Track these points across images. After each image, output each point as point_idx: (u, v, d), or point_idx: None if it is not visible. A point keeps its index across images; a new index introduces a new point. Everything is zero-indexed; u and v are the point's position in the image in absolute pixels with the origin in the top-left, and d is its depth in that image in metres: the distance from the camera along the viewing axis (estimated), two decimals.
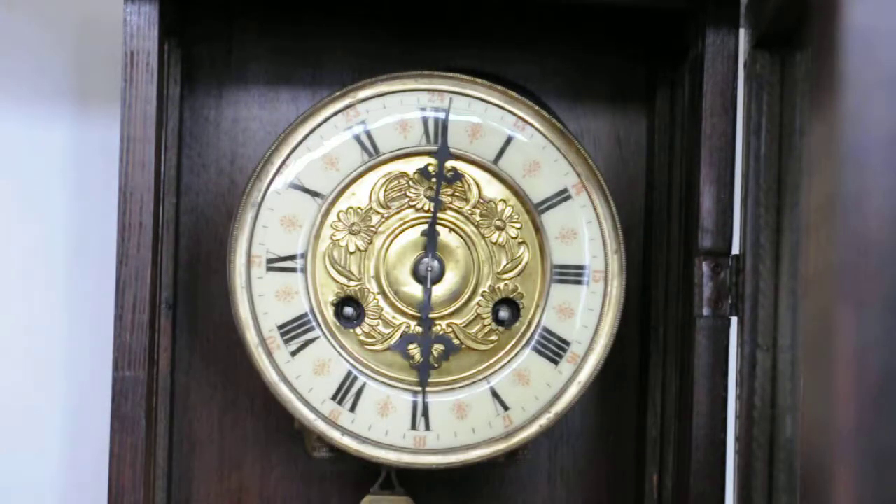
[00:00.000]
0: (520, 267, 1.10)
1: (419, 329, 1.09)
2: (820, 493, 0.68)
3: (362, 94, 1.07)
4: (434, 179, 1.08)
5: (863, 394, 0.66)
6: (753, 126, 1.04)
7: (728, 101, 1.06)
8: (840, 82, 0.65)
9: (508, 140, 1.08)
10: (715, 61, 1.06)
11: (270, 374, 1.08)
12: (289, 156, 1.07)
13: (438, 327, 1.10)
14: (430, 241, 1.09)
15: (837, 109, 0.65)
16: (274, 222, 1.07)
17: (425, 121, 1.08)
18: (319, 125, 1.07)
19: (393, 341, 1.09)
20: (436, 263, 1.09)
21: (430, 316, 1.09)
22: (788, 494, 1.01)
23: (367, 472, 1.19)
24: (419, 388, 1.09)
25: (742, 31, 1.07)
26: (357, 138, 1.08)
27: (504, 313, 1.10)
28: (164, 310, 1.15)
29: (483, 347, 1.10)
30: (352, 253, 1.09)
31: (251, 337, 1.08)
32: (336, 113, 1.08)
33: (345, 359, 1.09)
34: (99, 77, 1.25)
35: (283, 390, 1.08)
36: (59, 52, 1.27)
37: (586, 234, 1.09)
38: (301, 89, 1.21)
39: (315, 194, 1.08)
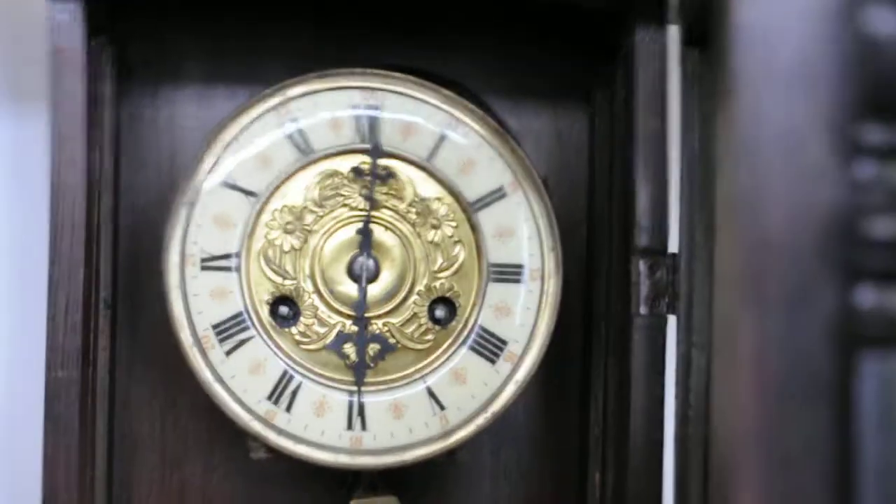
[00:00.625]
0: (455, 265, 1.09)
1: (354, 328, 1.09)
2: (725, 494, 0.68)
3: (292, 91, 1.07)
4: (368, 177, 1.08)
5: (764, 395, 0.65)
6: (686, 124, 1.03)
7: (659, 98, 1.06)
8: (733, 81, 0.65)
9: (442, 138, 1.08)
10: (645, 59, 1.06)
11: (205, 374, 1.07)
12: (221, 154, 1.07)
13: (374, 326, 1.09)
14: (365, 240, 1.08)
15: (732, 108, 0.65)
16: (207, 221, 1.07)
17: (358, 119, 1.07)
18: (251, 123, 1.07)
19: (328, 340, 1.09)
20: (371, 262, 1.09)
21: (366, 315, 1.09)
22: None
23: (310, 472, 1.18)
24: (355, 388, 1.08)
25: (674, 28, 1.06)
26: (290, 137, 1.07)
27: (440, 312, 1.10)
28: (102, 309, 1.14)
29: (419, 347, 1.10)
30: (286, 252, 1.08)
31: (185, 336, 1.07)
32: (268, 111, 1.07)
33: (280, 358, 1.08)
34: (34, 75, 1.24)
35: (218, 390, 1.07)
36: None
37: (524, 232, 1.09)
38: (238, 87, 1.20)
39: (248, 193, 1.07)
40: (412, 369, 1.09)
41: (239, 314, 1.08)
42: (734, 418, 0.67)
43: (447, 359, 1.09)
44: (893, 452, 0.66)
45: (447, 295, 1.10)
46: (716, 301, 0.90)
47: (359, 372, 1.08)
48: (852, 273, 0.64)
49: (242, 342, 1.08)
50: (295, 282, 1.09)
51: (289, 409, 1.08)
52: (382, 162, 1.08)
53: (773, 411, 0.65)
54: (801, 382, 0.65)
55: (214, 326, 1.07)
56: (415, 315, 1.09)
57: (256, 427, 1.08)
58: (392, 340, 1.09)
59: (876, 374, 0.65)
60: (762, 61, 0.63)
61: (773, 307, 0.65)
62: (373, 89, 1.07)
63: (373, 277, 1.09)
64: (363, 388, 1.09)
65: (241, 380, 1.08)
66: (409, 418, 1.09)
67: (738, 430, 0.66)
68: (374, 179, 1.08)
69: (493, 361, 1.09)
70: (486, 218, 1.09)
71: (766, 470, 0.65)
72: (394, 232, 1.09)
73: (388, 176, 1.08)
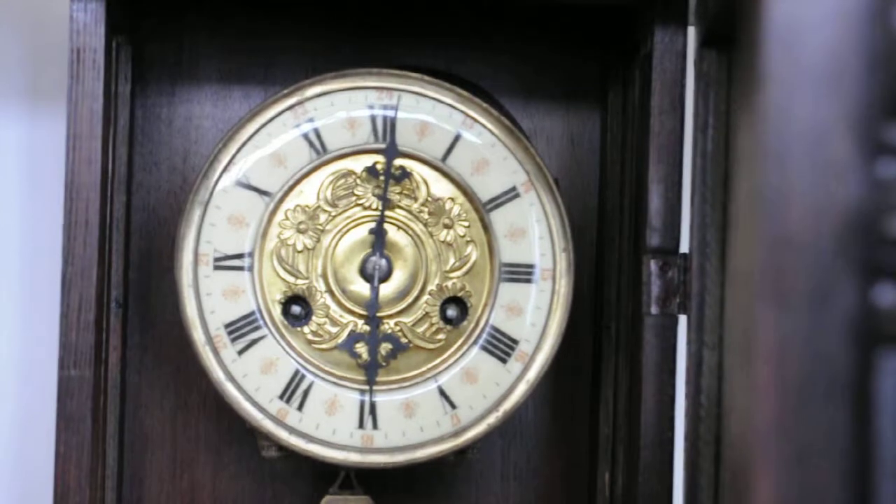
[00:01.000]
0: (468, 265, 1.10)
1: (367, 328, 1.09)
2: (742, 490, 0.68)
3: (310, 91, 1.07)
4: (381, 177, 1.08)
5: (783, 392, 0.65)
6: (700, 124, 1.03)
7: (676, 98, 1.06)
8: (762, 79, 0.65)
9: (457, 138, 1.08)
10: (663, 59, 1.06)
11: (217, 373, 1.08)
12: (236, 154, 1.07)
13: (386, 326, 1.09)
14: (378, 240, 1.09)
15: (760, 106, 0.65)
16: (221, 220, 1.07)
17: (373, 119, 1.08)
18: (267, 123, 1.07)
19: (340, 340, 1.09)
20: (383, 262, 1.09)
21: (378, 314, 1.09)
22: None
23: (321, 471, 1.19)
24: (367, 387, 1.09)
25: (692, 29, 1.07)
26: (305, 136, 1.07)
27: (452, 312, 1.10)
28: (114, 308, 1.14)
29: (431, 346, 1.10)
30: (299, 251, 1.09)
31: (198, 336, 1.07)
32: (284, 111, 1.07)
33: (292, 357, 1.08)
34: (53, 74, 1.24)
35: (230, 389, 1.08)
36: (13, 49, 1.26)
37: (535, 232, 1.09)
38: (253, 87, 1.21)
39: (263, 192, 1.08)
40: (424, 368, 1.10)
41: (251, 313, 1.08)
42: (752, 415, 0.67)
43: (459, 358, 1.10)
44: None
45: (459, 294, 1.10)
46: (730, 299, 0.91)
47: (370, 371, 1.09)
48: (873, 271, 0.64)
49: (255, 341, 1.08)
50: (307, 281, 1.09)
51: (300, 407, 1.08)
52: (397, 162, 1.08)
53: (792, 408, 0.66)
54: (820, 380, 0.65)
55: (227, 326, 1.08)
56: (427, 314, 1.10)
57: (268, 426, 1.08)
58: (404, 340, 1.10)
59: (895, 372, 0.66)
60: (791, 59, 0.63)
61: (793, 305, 0.65)
62: (389, 89, 1.08)
63: (385, 277, 1.09)
64: (375, 388, 1.09)
65: (253, 379, 1.08)
66: (421, 417, 1.09)
67: (757, 427, 0.66)
68: (388, 179, 1.08)
69: (504, 361, 1.09)
70: (498, 218, 1.09)
71: (785, 466, 0.65)
72: (406, 231, 1.09)
73: (403, 175, 1.08)
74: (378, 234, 1.09)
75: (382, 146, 1.08)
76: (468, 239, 1.10)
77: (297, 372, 1.08)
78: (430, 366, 1.10)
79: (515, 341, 1.09)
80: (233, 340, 1.07)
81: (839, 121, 0.62)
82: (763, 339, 0.66)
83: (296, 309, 1.09)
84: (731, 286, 0.89)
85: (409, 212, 1.09)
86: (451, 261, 1.10)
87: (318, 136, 1.07)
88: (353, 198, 1.09)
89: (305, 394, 1.08)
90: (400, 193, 1.09)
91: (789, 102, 0.64)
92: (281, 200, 1.08)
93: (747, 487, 0.67)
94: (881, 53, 0.61)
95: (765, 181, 0.65)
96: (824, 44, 0.62)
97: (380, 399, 1.09)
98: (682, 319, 1.08)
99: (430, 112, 1.08)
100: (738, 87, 0.92)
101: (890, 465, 0.65)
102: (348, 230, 1.09)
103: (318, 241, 1.09)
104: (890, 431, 0.65)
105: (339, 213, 1.09)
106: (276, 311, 1.09)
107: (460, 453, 1.11)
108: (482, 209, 1.09)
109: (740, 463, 0.69)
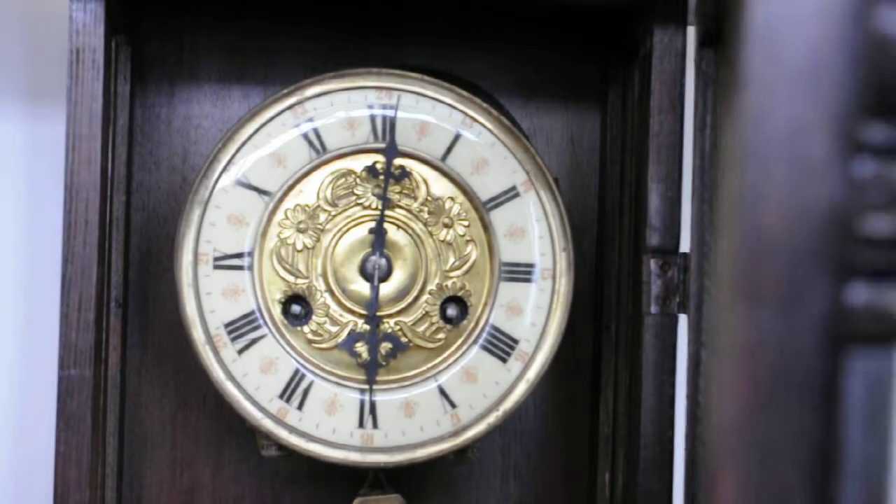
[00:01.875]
0: (467, 265, 1.10)
1: (366, 327, 1.09)
2: (709, 488, 0.68)
3: (310, 91, 1.07)
4: (381, 177, 1.08)
5: (752, 390, 0.65)
6: (699, 124, 1.03)
7: (676, 98, 1.06)
8: (743, 77, 0.65)
9: (456, 137, 1.08)
10: (663, 59, 1.06)
11: (217, 373, 1.08)
12: (236, 153, 1.07)
13: (386, 325, 1.10)
14: (378, 239, 1.09)
15: (740, 104, 0.65)
16: (221, 220, 1.07)
17: (373, 118, 1.08)
18: (267, 122, 1.07)
19: (340, 339, 1.09)
20: (383, 261, 1.09)
21: (378, 314, 1.09)
22: None
23: (321, 471, 1.19)
24: (367, 387, 1.09)
25: (691, 29, 1.07)
26: (305, 136, 1.08)
27: (452, 311, 1.10)
28: (114, 308, 1.15)
29: (431, 345, 1.10)
30: (299, 251, 1.09)
31: (198, 335, 1.07)
32: (284, 110, 1.07)
33: (292, 357, 1.09)
34: (53, 74, 1.24)
35: (230, 388, 1.08)
36: (13, 49, 1.26)
37: (535, 231, 1.09)
38: (253, 87, 1.21)
39: (262, 192, 1.08)
40: (424, 368, 1.10)
41: (251, 313, 1.08)
42: (721, 412, 0.67)
43: (459, 357, 1.10)
44: (879, 451, 0.66)
45: (459, 294, 1.10)
46: (712, 298, 0.91)
47: (370, 370, 1.09)
48: (847, 270, 0.64)
49: (255, 341, 1.08)
50: (307, 281, 1.09)
51: (300, 407, 1.08)
52: (397, 161, 1.08)
53: (759, 406, 0.65)
54: (791, 378, 0.65)
55: (227, 325, 1.08)
56: (426, 314, 1.10)
57: (268, 425, 1.08)
58: (404, 339, 1.10)
59: (865, 372, 0.65)
60: (772, 57, 0.63)
61: (766, 304, 0.65)
62: (389, 89, 1.08)
63: (385, 276, 1.09)
64: (375, 387, 1.09)
65: (252, 378, 1.08)
66: (421, 416, 1.09)
67: (725, 424, 0.66)
68: (388, 179, 1.08)
69: (504, 360, 1.10)
70: (498, 217, 1.09)
71: (749, 462, 0.65)
72: (406, 231, 1.10)
73: (403, 175, 1.08)
74: (378, 234, 1.09)
75: (382, 146, 1.08)
76: (468, 238, 1.10)
77: (297, 371, 1.08)
78: (430, 365, 1.10)
79: (515, 340, 1.09)
80: (233, 340, 1.08)
81: (818, 119, 0.62)
82: (735, 337, 0.66)
83: (296, 308, 1.09)
84: (713, 285, 0.89)
85: (409, 211, 1.09)
86: (451, 260, 1.10)
87: (318, 136, 1.08)
88: (353, 197, 1.09)
89: (305, 393, 1.08)
90: (400, 193, 1.09)
91: (769, 101, 0.64)
92: (281, 200, 1.08)
93: (714, 481, 0.67)
94: (862, 52, 0.61)
95: (743, 179, 0.65)
96: (806, 42, 0.62)
97: (380, 398, 1.09)
98: (682, 319, 1.08)
99: (429, 112, 1.08)
100: (722, 85, 0.92)
101: (855, 465, 0.65)
102: (348, 229, 1.09)
103: (318, 240, 1.09)
104: (857, 431, 0.65)
105: (339, 213, 1.09)
106: (276, 310, 1.09)
107: (460, 453, 1.12)
108: (482, 208, 1.09)
109: (710, 458, 0.69)
